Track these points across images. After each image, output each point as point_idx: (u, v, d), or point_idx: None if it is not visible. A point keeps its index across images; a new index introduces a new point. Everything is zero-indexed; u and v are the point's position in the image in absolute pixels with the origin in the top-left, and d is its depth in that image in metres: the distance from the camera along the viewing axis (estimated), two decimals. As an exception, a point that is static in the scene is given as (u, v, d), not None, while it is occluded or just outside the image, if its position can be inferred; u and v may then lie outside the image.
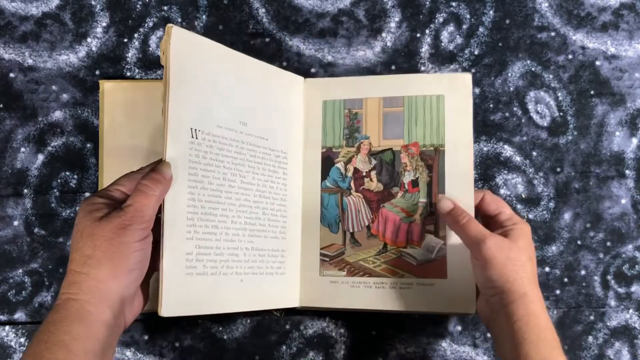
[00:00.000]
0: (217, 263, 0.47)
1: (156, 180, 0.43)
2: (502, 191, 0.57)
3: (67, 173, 0.57)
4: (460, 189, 0.53)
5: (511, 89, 0.58)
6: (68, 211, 0.56)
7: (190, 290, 0.45)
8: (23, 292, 0.55)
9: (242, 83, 0.51)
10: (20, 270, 0.55)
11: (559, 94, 0.58)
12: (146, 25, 0.58)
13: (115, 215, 0.41)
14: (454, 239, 0.52)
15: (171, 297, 0.44)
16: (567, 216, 0.57)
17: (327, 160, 0.55)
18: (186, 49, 0.46)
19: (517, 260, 0.46)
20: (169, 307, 0.43)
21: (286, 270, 0.53)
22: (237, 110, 0.50)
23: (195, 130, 0.47)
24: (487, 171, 0.58)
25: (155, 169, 0.43)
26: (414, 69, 0.58)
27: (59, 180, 0.56)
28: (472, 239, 0.47)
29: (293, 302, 0.53)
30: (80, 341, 0.38)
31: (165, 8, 0.58)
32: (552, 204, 0.57)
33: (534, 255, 0.48)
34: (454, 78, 0.55)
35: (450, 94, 0.54)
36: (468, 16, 0.59)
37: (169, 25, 0.44)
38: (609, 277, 0.57)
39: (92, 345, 0.39)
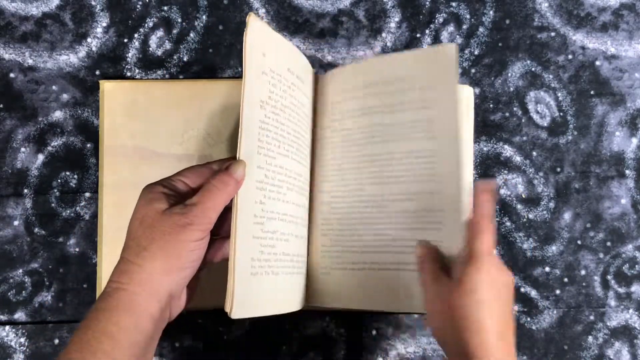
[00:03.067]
0: (286, 262, 0.46)
1: (226, 183, 0.40)
2: (502, 191, 0.57)
3: (67, 173, 0.57)
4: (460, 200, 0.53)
5: (511, 89, 0.58)
6: (68, 211, 0.56)
7: (257, 290, 0.44)
8: (23, 292, 0.55)
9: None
10: (20, 270, 0.55)
11: (559, 94, 0.58)
12: (146, 25, 0.58)
13: (178, 211, 0.39)
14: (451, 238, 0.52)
15: (241, 298, 0.42)
16: (567, 216, 0.57)
17: None
18: (261, 41, 0.44)
19: (462, 309, 0.37)
20: (238, 309, 0.41)
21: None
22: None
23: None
24: (487, 171, 0.58)
25: (227, 168, 0.41)
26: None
27: (59, 180, 0.56)
28: (425, 281, 0.42)
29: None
30: (127, 333, 0.38)
31: (165, 8, 0.58)
32: (552, 204, 0.57)
33: (494, 297, 0.38)
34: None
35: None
36: (468, 16, 0.59)
37: (250, 13, 0.42)
38: (609, 277, 0.57)
39: (138, 337, 0.38)
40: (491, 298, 0.38)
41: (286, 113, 0.47)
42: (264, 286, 0.44)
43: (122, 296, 0.38)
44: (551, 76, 0.58)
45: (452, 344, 0.39)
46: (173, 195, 0.41)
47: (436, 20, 0.59)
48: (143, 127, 0.56)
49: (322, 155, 0.51)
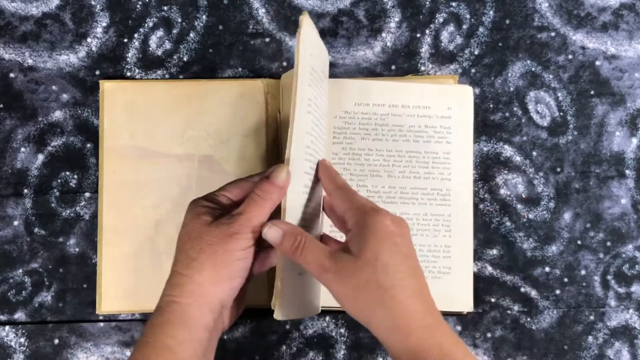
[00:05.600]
0: None
1: (268, 191, 0.41)
2: (502, 191, 0.57)
3: (67, 173, 0.57)
4: (460, 199, 0.54)
5: (511, 89, 0.58)
6: (68, 211, 0.56)
7: (302, 292, 0.44)
8: (23, 292, 0.55)
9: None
10: (20, 270, 0.55)
11: (559, 94, 0.58)
12: (146, 25, 0.58)
13: (224, 221, 0.40)
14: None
15: (287, 300, 0.42)
16: (567, 216, 0.57)
17: None
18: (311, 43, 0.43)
19: (367, 282, 0.36)
20: (283, 311, 0.41)
21: None
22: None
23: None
24: (487, 171, 0.58)
25: (269, 176, 0.41)
26: (414, 69, 0.58)
27: (59, 180, 0.56)
28: (313, 274, 0.39)
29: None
30: (184, 345, 0.38)
31: (165, 8, 0.58)
32: (552, 204, 0.57)
33: (397, 258, 0.37)
34: (457, 90, 0.55)
35: (454, 106, 0.55)
36: (468, 16, 0.59)
37: (304, 12, 0.41)
38: (609, 277, 0.57)
39: (196, 349, 0.39)
40: (395, 257, 0.37)
41: (318, 114, 0.47)
42: (310, 288, 0.44)
43: (175, 309, 0.39)
44: (551, 76, 0.58)
45: (375, 320, 0.37)
46: (217, 208, 0.42)
47: (436, 20, 0.59)
48: (143, 127, 0.56)
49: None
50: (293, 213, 0.42)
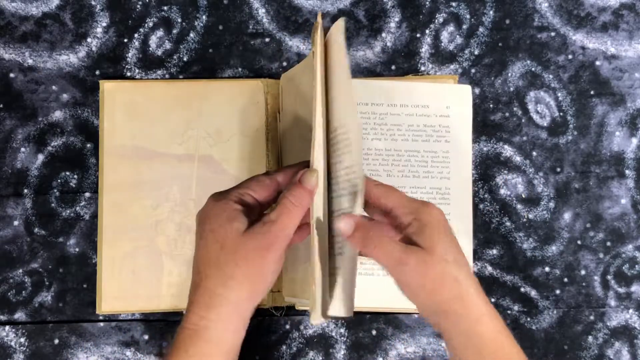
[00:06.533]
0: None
1: (301, 197, 0.39)
2: (502, 191, 0.57)
3: (67, 173, 0.57)
4: (459, 198, 0.54)
5: (511, 89, 0.58)
6: (68, 211, 0.56)
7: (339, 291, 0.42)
8: (23, 292, 0.55)
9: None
10: (20, 270, 0.55)
11: (559, 94, 0.58)
12: (146, 25, 0.58)
13: (258, 231, 0.38)
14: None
15: (319, 304, 0.40)
16: (567, 216, 0.57)
17: None
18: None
19: (444, 276, 0.37)
20: (317, 315, 0.39)
21: None
22: None
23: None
24: (487, 171, 0.58)
25: (300, 181, 0.40)
26: (414, 69, 0.58)
27: (59, 180, 0.56)
28: (387, 266, 0.39)
29: None
30: None
31: (165, 8, 0.58)
32: (552, 204, 0.57)
33: (457, 250, 0.39)
34: (455, 89, 0.56)
35: (453, 105, 0.55)
36: (468, 16, 0.59)
37: (341, 19, 0.39)
38: (609, 277, 0.57)
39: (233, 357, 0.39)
40: (458, 250, 0.38)
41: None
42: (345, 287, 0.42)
43: (212, 336, 0.38)
44: (551, 76, 0.58)
45: (452, 311, 0.37)
46: (245, 211, 0.40)
47: (436, 20, 0.59)
48: (143, 127, 0.56)
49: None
50: (319, 214, 0.41)
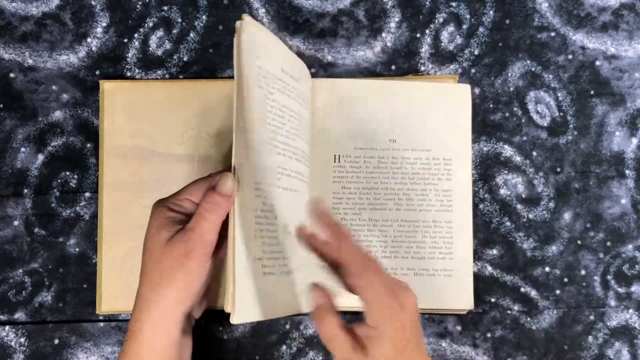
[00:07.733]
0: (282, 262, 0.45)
1: (216, 203, 0.40)
2: (502, 191, 0.57)
3: (67, 173, 0.57)
4: (459, 198, 0.54)
5: (511, 89, 0.58)
6: (68, 211, 0.56)
7: (269, 292, 0.43)
8: (23, 292, 0.55)
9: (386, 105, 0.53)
10: (20, 270, 0.55)
11: (559, 94, 0.58)
12: (146, 25, 0.58)
13: (180, 239, 0.40)
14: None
15: (245, 302, 0.41)
16: (567, 216, 0.57)
17: None
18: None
19: None
20: (241, 314, 0.40)
21: None
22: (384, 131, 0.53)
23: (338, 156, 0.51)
24: (487, 171, 0.58)
25: (215, 187, 0.40)
26: (414, 69, 0.58)
27: (59, 180, 0.56)
28: (334, 355, 0.40)
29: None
30: None
31: (165, 8, 0.58)
32: (552, 204, 0.57)
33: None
34: (455, 89, 0.56)
35: (452, 105, 0.55)
36: (468, 16, 0.59)
37: (244, 16, 0.41)
38: (609, 277, 0.57)
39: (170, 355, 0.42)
40: (405, 345, 0.38)
41: (285, 113, 0.47)
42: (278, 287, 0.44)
43: (144, 338, 0.41)
44: (551, 76, 0.58)
45: None
46: (179, 218, 0.42)
47: (436, 20, 0.59)
48: (143, 127, 0.56)
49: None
50: (246, 217, 0.41)
